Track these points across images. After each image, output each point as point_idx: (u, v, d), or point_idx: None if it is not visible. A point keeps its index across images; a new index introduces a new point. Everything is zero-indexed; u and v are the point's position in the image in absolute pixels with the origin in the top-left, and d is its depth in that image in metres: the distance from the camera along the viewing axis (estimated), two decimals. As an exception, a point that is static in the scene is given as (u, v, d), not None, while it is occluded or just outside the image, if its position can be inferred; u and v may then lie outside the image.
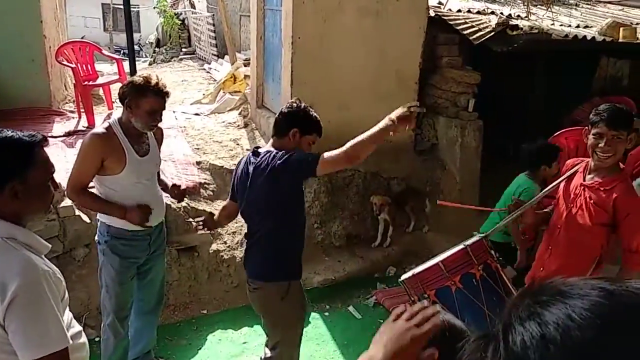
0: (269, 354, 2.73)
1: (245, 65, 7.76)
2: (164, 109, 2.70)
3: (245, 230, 2.73)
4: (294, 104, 2.58)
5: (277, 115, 2.62)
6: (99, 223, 2.84)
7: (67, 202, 3.76)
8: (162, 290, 3.21)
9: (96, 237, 2.87)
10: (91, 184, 2.74)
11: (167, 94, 2.68)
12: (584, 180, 2.51)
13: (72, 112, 6.19)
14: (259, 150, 2.59)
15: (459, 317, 2.17)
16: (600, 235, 2.45)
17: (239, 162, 2.71)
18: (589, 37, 5.49)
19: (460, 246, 2.39)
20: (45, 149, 1.59)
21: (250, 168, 2.52)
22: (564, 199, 2.61)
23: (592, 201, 2.44)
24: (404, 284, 2.46)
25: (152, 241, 2.92)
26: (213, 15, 11.27)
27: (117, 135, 2.66)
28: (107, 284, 2.84)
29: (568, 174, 2.64)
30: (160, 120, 2.72)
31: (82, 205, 2.64)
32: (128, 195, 2.71)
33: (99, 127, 2.68)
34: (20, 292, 1.38)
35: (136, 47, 16.02)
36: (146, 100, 2.59)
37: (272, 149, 2.52)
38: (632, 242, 2.39)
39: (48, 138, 1.66)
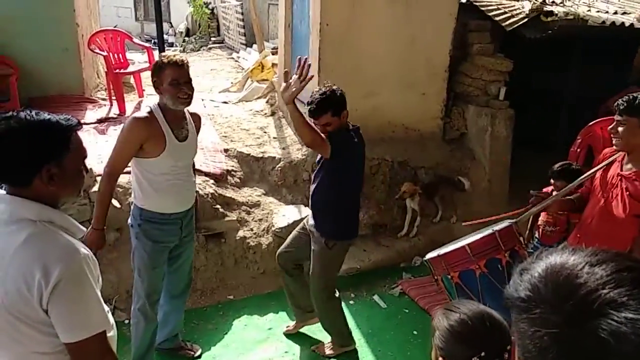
0: None
1: (273, 54, 7.76)
2: (189, 79, 2.75)
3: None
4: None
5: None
6: (132, 206, 2.90)
7: (98, 187, 3.84)
8: (190, 274, 3.26)
9: (129, 220, 2.92)
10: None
11: (184, 63, 2.74)
12: (622, 170, 2.44)
13: (103, 99, 6.30)
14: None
15: (480, 301, 2.16)
16: (633, 226, 2.37)
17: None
18: (627, 24, 5.29)
19: (489, 231, 2.36)
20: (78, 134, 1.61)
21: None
22: (600, 188, 2.54)
23: (627, 192, 2.36)
24: (428, 263, 2.46)
25: (184, 226, 2.97)
26: (242, 4, 11.29)
27: (158, 119, 2.73)
28: (140, 268, 2.89)
29: (605, 162, 2.56)
30: (189, 91, 2.75)
31: (101, 189, 2.77)
32: (163, 178, 2.78)
33: (141, 112, 2.75)
34: (64, 277, 1.39)
35: (166, 37, 16.21)
36: (166, 72, 2.68)
37: None
38: None
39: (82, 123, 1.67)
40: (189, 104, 2.80)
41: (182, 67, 2.73)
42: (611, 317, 0.59)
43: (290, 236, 3.40)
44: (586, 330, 0.60)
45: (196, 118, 3.01)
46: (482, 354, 1.26)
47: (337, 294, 3.28)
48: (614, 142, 2.45)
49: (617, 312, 0.59)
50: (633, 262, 0.66)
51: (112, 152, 2.75)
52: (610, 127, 2.44)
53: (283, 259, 3.39)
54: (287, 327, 3.66)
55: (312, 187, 3.07)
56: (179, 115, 2.82)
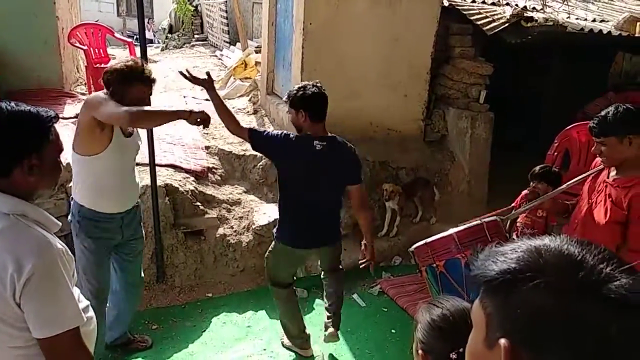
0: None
1: (256, 52, 7.75)
2: (151, 95, 2.61)
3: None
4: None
5: (321, 100, 2.75)
6: (72, 202, 2.78)
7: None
8: (140, 274, 3.21)
9: (69, 217, 2.80)
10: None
11: (154, 81, 2.59)
12: (608, 177, 2.48)
13: (83, 94, 6.21)
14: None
15: (464, 290, 2.18)
16: (615, 233, 2.36)
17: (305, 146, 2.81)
18: (605, 32, 5.41)
19: (477, 221, 2.39)
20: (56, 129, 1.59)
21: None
22: (587, 194, 2.57)
23: (610, 199, 2.39)
24: (412, 254, 2.48)
25: (124, 225, 2.85)
26: (226, 2, 11.24)
27: None
28: (84, 267, 2.76)
29: (596, 169, 2.60)
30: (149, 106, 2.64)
31: (145, 116, 2.45)
32: (108, 176, 2.66)
33: (99, 94, 2.59)
34: (37, 271, 1.37)
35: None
36: (133, 89, 2.50)
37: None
38: (637, 246, 2.31)
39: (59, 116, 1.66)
40: None
41: (152, 85, 2.57)
42: (617, 280, 0.63)
43: None
44: (597, 296, 0.62)
45: None
46: (461, 349, 1.23)
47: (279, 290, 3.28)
48: (600, 160, 2.48)
49: (618, 281, 0.63)
50: (607, 250, 0.69)
51: (106, 110, 2.41)
52: (593, 149, 2.47)
53: None
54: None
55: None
56: None
